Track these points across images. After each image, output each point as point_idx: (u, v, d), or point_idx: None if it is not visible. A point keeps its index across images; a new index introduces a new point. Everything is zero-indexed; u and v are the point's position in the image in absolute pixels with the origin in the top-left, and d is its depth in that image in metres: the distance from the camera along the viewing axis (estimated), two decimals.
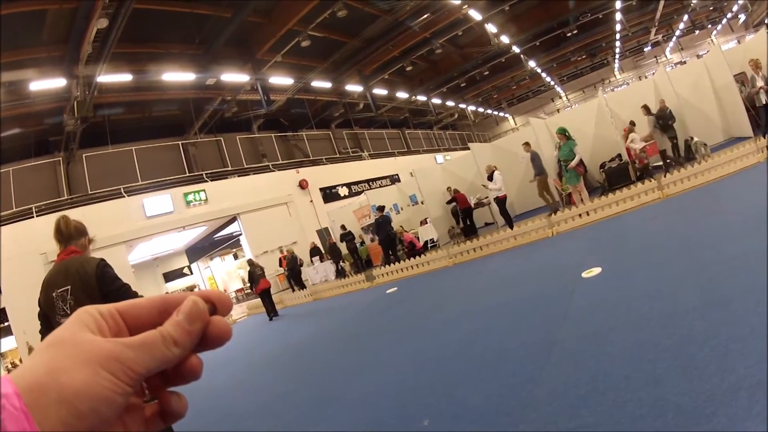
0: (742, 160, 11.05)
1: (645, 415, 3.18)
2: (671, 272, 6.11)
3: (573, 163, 12.97)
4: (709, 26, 54.63)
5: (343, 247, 22.12)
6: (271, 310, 17.22)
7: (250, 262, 17.98)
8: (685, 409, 3.05)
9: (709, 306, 4.60)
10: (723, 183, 10.72)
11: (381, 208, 17.99)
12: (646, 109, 15.35)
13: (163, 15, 19.26)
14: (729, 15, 51.17)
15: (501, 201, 15.54)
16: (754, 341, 3.52)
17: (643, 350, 4.19)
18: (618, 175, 15.57)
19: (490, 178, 15.57)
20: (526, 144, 16.00)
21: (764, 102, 12.70)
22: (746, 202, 8.59)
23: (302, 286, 20.48)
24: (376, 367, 6.85)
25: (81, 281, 3.68)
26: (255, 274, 17.27)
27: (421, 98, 40.89)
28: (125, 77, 20.41)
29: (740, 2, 45.71)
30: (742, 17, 51.70)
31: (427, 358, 6.41)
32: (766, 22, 42.84)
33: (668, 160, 15.19)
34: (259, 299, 17.90)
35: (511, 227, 13.59)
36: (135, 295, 3.78)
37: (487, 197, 18.12)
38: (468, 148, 20.44)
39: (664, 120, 15.08)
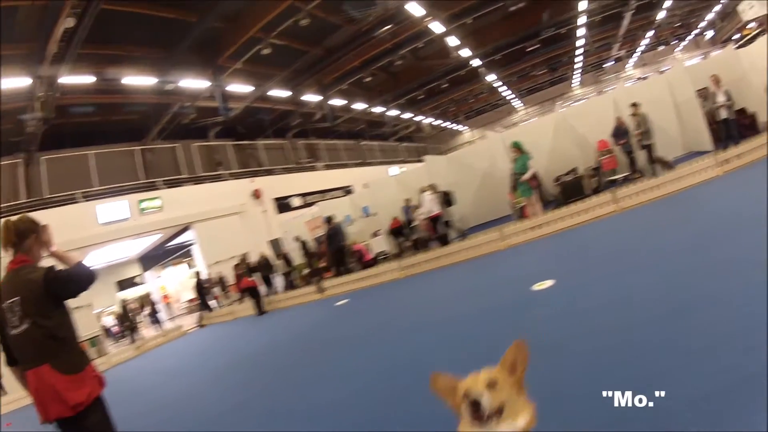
0: (700, 174, 11.16)
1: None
2: (625, 284, 6.19)
3: (526, 177, 12.94)
4: (674, 42, 55.51)
5: (299, 257, 21.62)
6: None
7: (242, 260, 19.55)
8: (641, 420, 3.00)
9: (662, 319, 4.72)
10: (680, 196, 10.84)
11: (329, 219, 17.88)
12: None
13: (127, 16, 18.66)
14: (696, 31, 52.03)
15: (434, 220, 15.82)
16: (709, 353, 3.73)
17: (597, 362, 4.33)
18: (573, 188, 15.53)
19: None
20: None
21: (724, 117, 12.91)
22: (703, 215, 8.85)
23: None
24: (329, 379, 6.86)
25: (29, 292, 3.53)
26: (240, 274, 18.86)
27: (379, 109, 40.90)
28: (88, 79, 19.94)
29: (708, 19, 46.51)
30: (710, 33, 52.65)
31: (379, 370, 6.47)
32: (733, 38, 43.77)
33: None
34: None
35: (444, 244, 13.92)
36: (89, 273, 3.78)
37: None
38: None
39: (622, 136, 15.09)
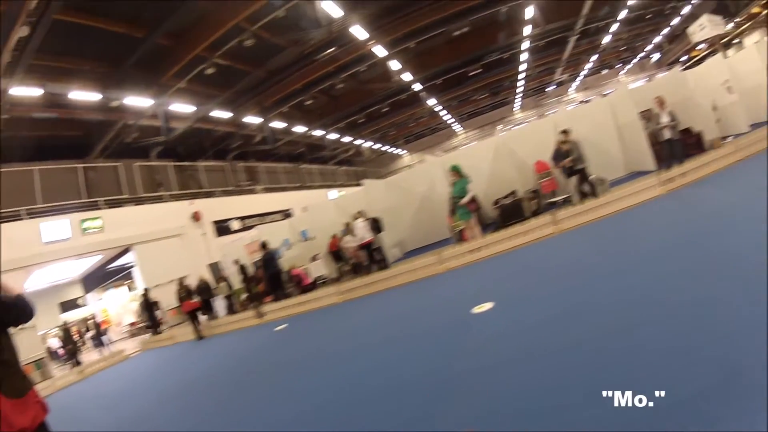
0: (643, 193, 11.45)
1: None
2: (563, 306, 6.30)
3: (464, 200, 12.98)
4: (619, 66, 56.73)
5: (238, 281, 21.31)
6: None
7: (180, 283, 18.60)
8: None
9: (601, 339, 4.86)
10: (621, 216, 11.06)
11: (264, 245, 17.77)
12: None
13: (76, 28, 18.06)
14: (641, 54, 53.18)
15: (366, 247, 15.85)
16: (649, 371, 3.85)
17: (540, 383, 4.42)
18: (512, 211, 15.64)
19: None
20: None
21: (667, 137, 13.24)
22: (642, 235, 9.05)
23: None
24: (271, 405, 6.90)
25: None
26: (181, 297, 18.00)
27: (319, 133, 40.87)
28: (36, 91, 19.27)
29: (655, 42, 47.56)
30: (656, 56, 53.87)
31: (323, 394, 6.47)
32: (681, 60, 44.91)
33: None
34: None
35: (384, 268, 14.21)
36: (30, 305, 3.67)
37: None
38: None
39: (562, 158, 15.27)
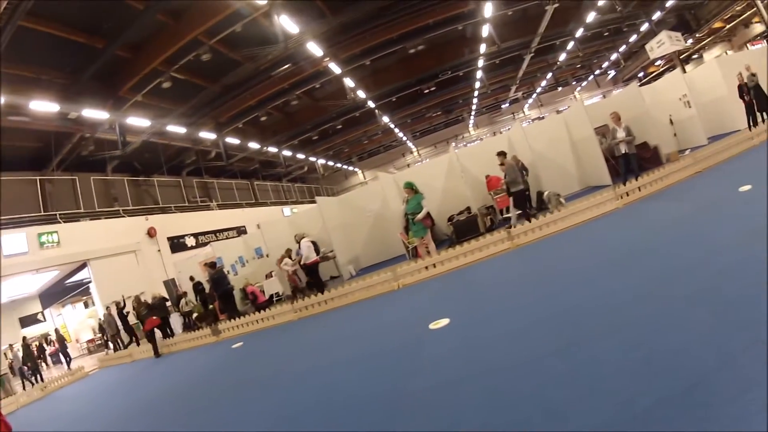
0: (600, 207, 11.68)
1: None
2: (519, 320, 6.38)
3: (420, 216, 12.95)
4: (574, 83, 57.42)
5: (193, 298, 21.20)
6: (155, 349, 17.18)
7: (137, 300, 18.32)
8: None
9: (561, 352, 4.88)
10: (577, 230, 11.26)
11: (212, 265, 17.71)
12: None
13: (38, 36, 17.74)
14: (597, 72, 53.83)
15: (309, 267, 15.76)
16: (614, 381, 3.92)
17: (500, 397, 4.45)
18: (466, 227, 15.84)
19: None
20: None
21: (623, 152, 13.52)
22: (597, 249, 9.17)
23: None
24: (234, 422, 6.77)
25: None
26: (140, 314, 17.52)
27: (273, 149, 40.75)
28: None
29: (612, 59, 48.23)
30: (612, 73, 54.58)
31: (282, 412, 6.45)
32: (638, 76, 45.56)
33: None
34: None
35: (322, 292, 14.05)
36: None
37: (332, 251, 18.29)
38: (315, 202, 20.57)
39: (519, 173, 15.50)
